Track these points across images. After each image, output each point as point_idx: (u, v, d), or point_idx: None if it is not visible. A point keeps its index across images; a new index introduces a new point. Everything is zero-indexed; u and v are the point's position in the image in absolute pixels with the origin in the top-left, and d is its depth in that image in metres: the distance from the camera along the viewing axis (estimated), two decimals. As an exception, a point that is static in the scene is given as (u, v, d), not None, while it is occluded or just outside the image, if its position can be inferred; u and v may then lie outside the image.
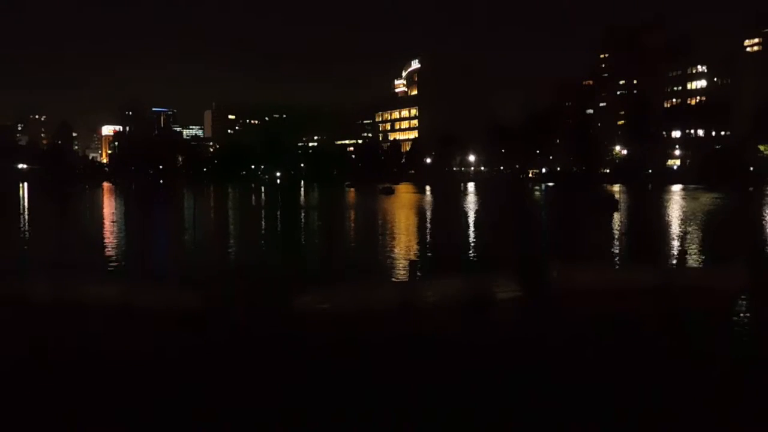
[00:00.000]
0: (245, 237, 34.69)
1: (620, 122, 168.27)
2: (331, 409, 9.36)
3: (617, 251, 26.62)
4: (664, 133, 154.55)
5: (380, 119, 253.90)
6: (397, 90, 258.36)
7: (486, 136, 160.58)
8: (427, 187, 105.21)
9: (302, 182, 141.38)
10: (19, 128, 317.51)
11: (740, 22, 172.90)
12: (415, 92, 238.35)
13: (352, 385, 10.38)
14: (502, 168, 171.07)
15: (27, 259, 24.03)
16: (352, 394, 9.94)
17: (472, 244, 29.63)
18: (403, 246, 27.46)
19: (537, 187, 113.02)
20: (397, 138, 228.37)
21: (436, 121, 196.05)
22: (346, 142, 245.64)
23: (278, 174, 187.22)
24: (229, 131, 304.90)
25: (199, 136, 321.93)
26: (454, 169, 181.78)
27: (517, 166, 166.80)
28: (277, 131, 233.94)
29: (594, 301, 16.00)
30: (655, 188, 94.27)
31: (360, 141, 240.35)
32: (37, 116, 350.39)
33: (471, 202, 65.38)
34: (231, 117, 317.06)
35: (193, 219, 40.34)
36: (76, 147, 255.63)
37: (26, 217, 50.14)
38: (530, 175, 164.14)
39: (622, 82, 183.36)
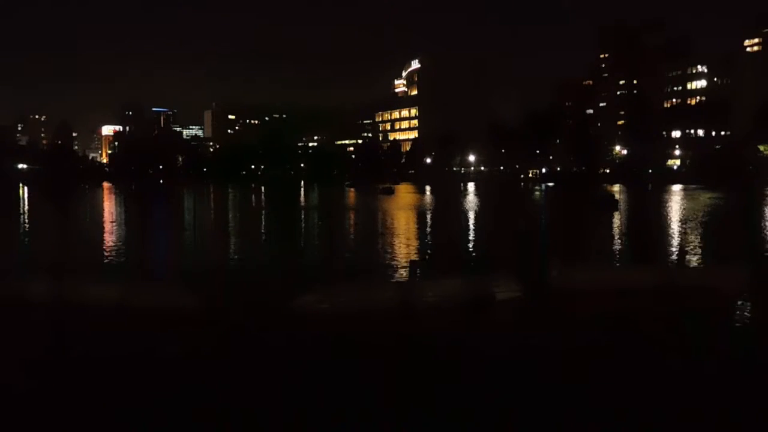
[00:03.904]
0: (245, 236, 34.68)
1: (620, 122, 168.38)
2: (330, 409, 9.35)
3: (617, 251, 26.62)
4: (664, 133, 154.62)
5: (380, 119, 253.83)
6: (397, 90, 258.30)
7: (486, 136, 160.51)
8: (427, 187, 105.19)
9: (302, 182, 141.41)
10: (19, 128, 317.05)
11: (740, 22, 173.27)
12: (415, 92, 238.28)
13: (351, 385, 10.37)
14: (502, 168, 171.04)
15: (26, 259, 24.01)
16: (352, 394, 9.94)
17: (472, 244, 29.62)
18: (404, 246, 27.45)
19: (537, 187, 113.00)
20: (397, 138, 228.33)
21: (436, 121, 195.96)
22: (346, 142, 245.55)
23: (279, 174, 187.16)
24: (229, 131, 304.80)
25: (199, 136, 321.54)
26: (454, 169, 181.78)
27: (517, 166, 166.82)
28: (277, 131, 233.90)
29: (594, 301, 15.98)
30: (655, 188, 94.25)
31: (360, 141, 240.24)
32: (37, 116, 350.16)
33: (471, 202, 65.38)
34: (231, 117, 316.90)
35: (192, 219, 40.36)
36: (76, 147, 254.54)
37: (26, 217, 50.14)
38: (530, 175, 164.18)
39: (622, 82, 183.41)
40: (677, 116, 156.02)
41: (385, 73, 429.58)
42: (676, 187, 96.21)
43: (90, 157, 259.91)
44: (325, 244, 30.46)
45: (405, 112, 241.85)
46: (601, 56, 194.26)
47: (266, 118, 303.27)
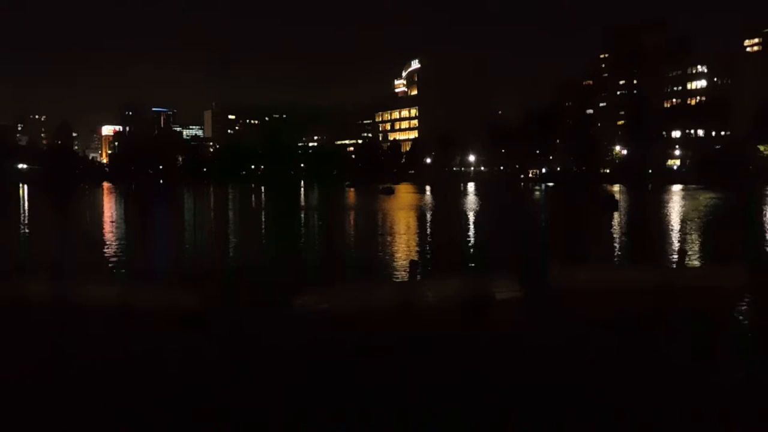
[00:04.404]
0: (245, 237, 34.68)
1: (620, 122, 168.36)
2: (331, 409, 9.35)
3: (617, 251, 26.62)
4: (664, 133, 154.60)
5: (380, 119, 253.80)
6: (397, 90, 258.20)
7: (486, 136, 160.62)
8: (427, 187, 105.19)
9: (302, 182, 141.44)
10: (19, 128, 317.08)
11: (740, 22, 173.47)
12: (415, 92, 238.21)
13: (351, 385, 10.37)
14: (502, 168, 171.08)
15: (26, 259, 24.01)
16: (352, 394, 9.94)
17: (472, 244, 29.62)
18: (404, 246, 27.45)
19: (537, 187, 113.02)
20: (397, 138, 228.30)
21: (436, 121, 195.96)
22: (346, 142, 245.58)
23: (279, 174, 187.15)
24: (229, 131, 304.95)
25: (199, 136, 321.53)
26: (454, 169, 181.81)
27: (517, 166, 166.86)
28: (277, 131, 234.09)
29: (594, 301, 15.98)
30: (655, 188, 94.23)
31: (360, 141, 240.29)
32: (37, 116, 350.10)
33: (471, 202, 65.38)
34: (231, 117, 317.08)
35: (192, 219, 40.36)
36: (76, 147, 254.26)
37: (26, 217, 50.14)
38: (530, 175, 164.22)
39: (622, 82, 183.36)
40: (677, 116, 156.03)
41: (385, 73, 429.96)
42: (676, 188, 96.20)
43: (90, 157, 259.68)
44: (325, 244, 30.45)
45: (405, 112, 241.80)
46: (601, 56, 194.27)
47: (266, 118, 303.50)
